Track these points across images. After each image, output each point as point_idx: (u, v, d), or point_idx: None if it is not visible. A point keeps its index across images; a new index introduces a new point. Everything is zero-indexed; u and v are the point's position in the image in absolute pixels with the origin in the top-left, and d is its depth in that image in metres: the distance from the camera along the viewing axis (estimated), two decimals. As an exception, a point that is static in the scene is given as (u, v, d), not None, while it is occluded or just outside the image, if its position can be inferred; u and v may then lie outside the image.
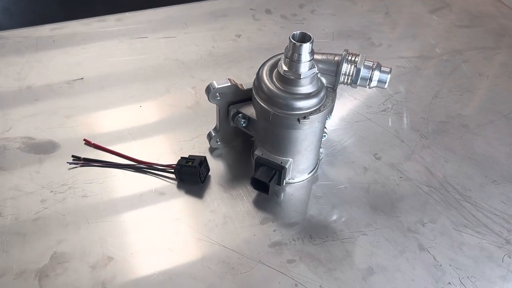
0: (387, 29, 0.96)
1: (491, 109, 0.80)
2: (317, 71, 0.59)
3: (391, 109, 0.78)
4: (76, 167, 0.66)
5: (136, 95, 0.78)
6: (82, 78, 0.80)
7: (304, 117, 0.57)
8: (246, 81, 0.80)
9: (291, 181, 0.66)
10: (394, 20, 0.99)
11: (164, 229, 0.60)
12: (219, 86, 0.62)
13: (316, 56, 0.59)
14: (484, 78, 0.86)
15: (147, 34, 0.90)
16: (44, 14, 1.09)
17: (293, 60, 0.56)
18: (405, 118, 0.77)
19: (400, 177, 0.68)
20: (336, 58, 0.60)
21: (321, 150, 0.70)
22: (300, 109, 0.57)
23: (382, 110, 0.78)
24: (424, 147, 0.72)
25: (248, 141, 0.70)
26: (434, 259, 0.59)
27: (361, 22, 0.97)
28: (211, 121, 0.71)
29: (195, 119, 0.75)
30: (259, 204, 0.63)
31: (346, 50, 0.60)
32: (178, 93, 0.79)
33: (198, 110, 0.76)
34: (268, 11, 0.99)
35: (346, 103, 0.79)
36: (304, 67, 0.56)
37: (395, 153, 0.71)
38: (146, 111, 0.75)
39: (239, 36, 0.92)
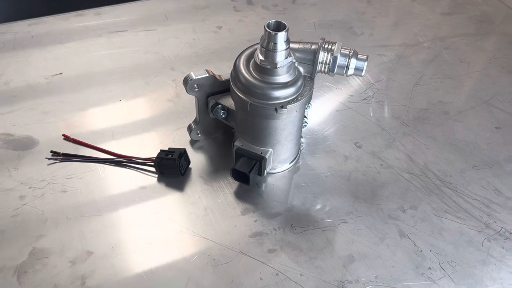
0: (369, 18, 0.96)
1: (471, 95, 0.80)
2: (294, 60, 0.59)
3: (372, 97, 0.78)
4: (55, 162, 0.66)
5: (116, 89, 0.77)
6: (61, 73, 0.79)
7: (282, 107, 0.57)
8: (228, 72, 0.80)
9: (272, 171, 0.66)
10: (376, 8, 0.99)
11: (145, 223, 0.60)
12: (196, 77, 0.62)
13: (292, 45, 0.59)
14: (465, 64, 0.86)
15: (126, 28, 0.89)
16: (22, 9, 1.07)
17: (269, 50, 0.55)
18: (386, 106, 0.77)
19: (381, 165, 0.68)
20: (313, 46, 0.59)
21: (302, 139, 0.70)
22: (277, 98, 0.57)
23: (363, 99, 0.78)
24: (405, 134, 0.73)
25: (229, 132, 0.70)
26: (415, 245, 0.59)
27: (343, 11, 0.97)
28: (191, 114, 0.70)
29: (175, 111, 0.74)
30: (240, 195, 0.63)
31: (323, 39, 0.60)
32: (158, 86, 0.79)
33: (179, 102, 0.76)
34: (249, 2, 0.98)
35: (327, 92, 0.79)
36: (280, 56, 0.56)
37: (376, 141, 0.71)
38: (126, 105, 0.75)
39: (220, 28, 0.91)
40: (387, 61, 0.86)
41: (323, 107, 0.76)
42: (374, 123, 0.74)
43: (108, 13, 0.93)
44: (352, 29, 0.93)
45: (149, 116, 0.73)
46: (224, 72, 0.81)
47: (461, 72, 0.84)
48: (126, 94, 0.77)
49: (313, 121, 0.74)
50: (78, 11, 0.93)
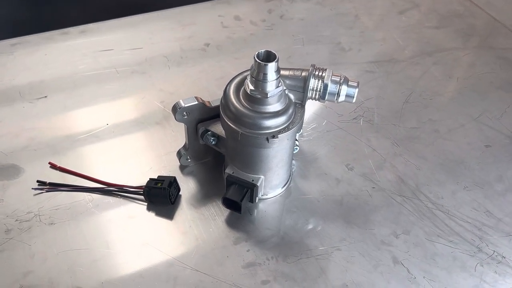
0: (356, 33, 0.95)
1: (461, 112, 0.80)
2: (285, 88, 0.58)
3: (362, 116, 0.78)
4: (42, 192, 0.64)
5: (103, 113, 0.76)
6: (45, 97, 0.77)
7: (273, 136, 0.56)
8: (217, 93, 0.80)
9: (264, 197, 0.65)
10: (364, 23, 0.98)
11: (134, 255, 0.59)
12: (186, 105, 0.61)
13: (283, 72, 0.58)
14: (454, 80, 0.86)
15: (112, 46, 0.88)
16: (3, 22, 1.04)
17: (259, 80, 0.55)
18: (376, 125, 0.77)
19: (373, 188, 0.68)
20: (303, 73, 0.59)
21: (293, 162, 0.69)
22: (268, 128, 0.56)
23: (354, 118, 0.78)
24: (396, 155, 0.72)
25: (219, 156, 0.69)
26: (408, 272, 0.59)
27: (331, 26, 0.97)
28: (180, 137, 0.69)
29: (164, 135, 0.73)
30: (231, 223, 0.62)
31: (313, 65, 0.59)
32: (146, 108, 0.77)
33: (167, 125, 0.74)
34: (236, 17, 0.97)
35: (317, 112, 0.78)
36: (271, 86, 0.55)
37: (367, 162, 0.71)
38: (113, 129, 0.73)
39: (207, 45, 0.90)
40: (376, 78, 0.85)
41: (314, 128, 0.76)
42: (365, 144, 0.74)
43: (93, 31, 0.91)
44: (340, 45, 0.92)
45: (137, 141, 0.72)
46: (213, 92, 0.80)
47: (450, 88, 0.85)
48: (113, 117, 0.75)
49: (303, 142, 0.73)
50: (63, 29, 0.91)
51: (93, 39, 0.89)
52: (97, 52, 0.87)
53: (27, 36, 0.89)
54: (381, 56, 0.90)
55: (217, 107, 0.61)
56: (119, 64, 0.85)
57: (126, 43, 0.89)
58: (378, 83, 0.85)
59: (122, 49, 0.88)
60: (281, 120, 0.57)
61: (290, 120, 0.58)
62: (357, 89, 0.59)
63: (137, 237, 0.60)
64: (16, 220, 0.61)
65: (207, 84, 0.82)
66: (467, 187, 0.68)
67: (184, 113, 0.61)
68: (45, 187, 0.64)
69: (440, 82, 0.85)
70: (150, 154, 0.70)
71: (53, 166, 0.67)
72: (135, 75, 0.83)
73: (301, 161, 0.71)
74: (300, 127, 0.60)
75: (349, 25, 0.97)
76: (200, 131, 0.63)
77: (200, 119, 0.63)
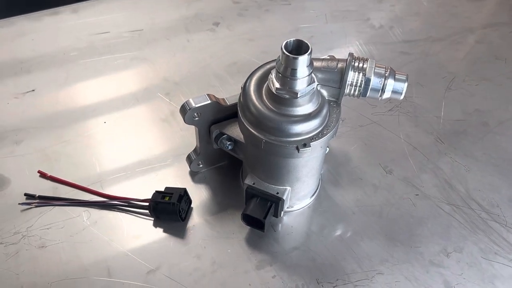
0: (387, 7, 0.83)
1: (512, 100, 0.69)
2: (317, 83, 0.48)
3: (399, 107, 0.68)
4: (30, 207, 0.55)
5: (99, 108, 0.66)
6: (33, 90, 0.67)
7: (304, 145, 0.46)
8: (229, 81, 0.70)
9: (289, 209, 0.56)
10: (394, -6, 0.86)
11: (140, 284, 0.50)
12: (197, 105, 0.51)
13: (315, 63, 0.47)
14: (502, 61, 0.75)
15: (108, 28, 0.77)
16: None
17: (287, 76, 0.44)
18: (415, 118, 0.66)
19: (416, 195, 0.58)
20: (340, 65, 0.48)
21: (321, 164, 0.60)
22: (298, 134, 0.46)
23: (389, 110, 0.67)
24: (440, 153, 0.62)
25: (236, 158, 0.59)
26: (464, 300, 0.50)
27: (357, -1, 0.85)
28: (190, 136, 0.60)
29: (171, 134, 0.63)
30: (253, 242, 0.53)
31: (351, 55, 0.48)
32: (149, 102, 0.67)
33: (174, 122, 0.64)
34: (249, -9, 0.85)
35: (347, 104, 0.68)
36: (302, 84, 0.45)
37: (407, 164, 0.61)
38: (112, 128, 0.64)
39: (217, 24, 0.79)
40: (413, 61, 0.74)
41: (344, 122, 0.66)
42: (404, 141, 0.64)
43: (87, 10, 0.80)
44: (369, 21, 0.81)
45: (141, 141, 0.62)
46: (225, 81, 0.70)
47: (497, 71, 0.73)
48: (111, 114, 0.65)
49: (332, 140, 0.63)
50: (53, 9, 0.80)
51: (87, 20, 0.78)
52: (92, 35, 0.76)
53: (12, 17, 0.78)
54: (416, 34, 0.79)
55: (234, 105, 0.51)
56: (117, 49, 0.74)
57: (125, 24, 0.78)
58: (414, 66, 0.74)
59: (120, 31, 0.77)
60: (313, 124, 0.47)
61: (324, 124, 0.48)
62: (406, 83, 0.48)
63: (144, 262, 0.51)
64: (1, 243, 0.52)
65: (219, 72, 0.71)
66: (526, 192, 0.59)
67: (195, 114, 0.51)
68: (34, 201, 0.55)
69: (486, 65, 0.74)
70: (156, 159, 0.60)
71: (43, 175, 0.58)
72: (135, 62, 0.72)
73: (331, 163, 0.61)
74: (336, 131, 0.49)
75: (378, -3, 0.85)
76: (214, 134, 0.53)
77: (214, 120, 0.53)
